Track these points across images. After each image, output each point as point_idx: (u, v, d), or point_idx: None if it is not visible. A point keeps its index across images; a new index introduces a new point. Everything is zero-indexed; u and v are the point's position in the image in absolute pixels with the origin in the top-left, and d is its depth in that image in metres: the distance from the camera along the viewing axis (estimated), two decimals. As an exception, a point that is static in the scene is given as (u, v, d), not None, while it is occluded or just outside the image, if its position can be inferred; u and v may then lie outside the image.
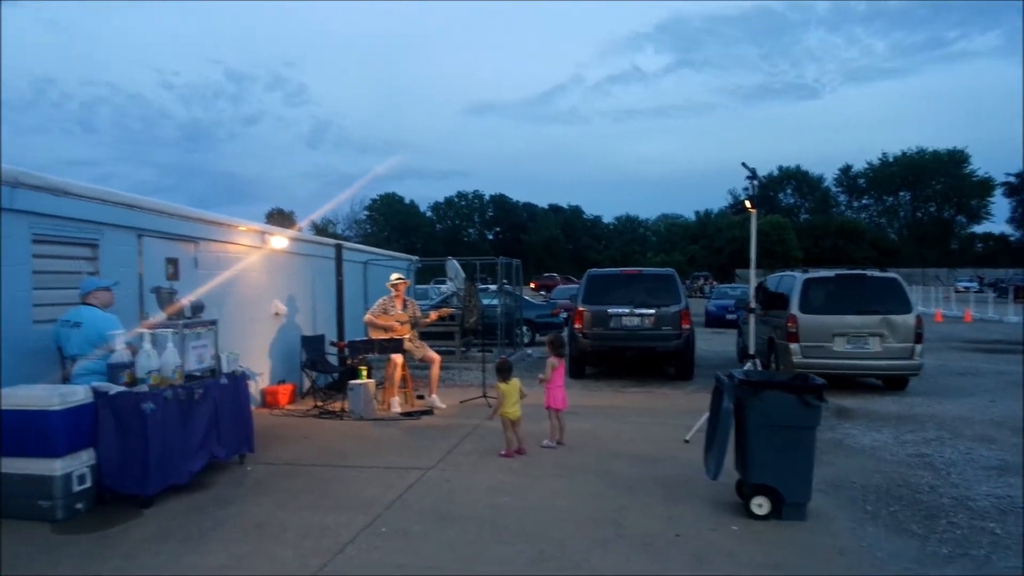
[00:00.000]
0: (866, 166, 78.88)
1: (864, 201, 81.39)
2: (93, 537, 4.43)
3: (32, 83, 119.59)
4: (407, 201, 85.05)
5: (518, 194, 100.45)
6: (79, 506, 4.80)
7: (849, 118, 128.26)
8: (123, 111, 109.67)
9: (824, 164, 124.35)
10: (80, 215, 6.05)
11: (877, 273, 10.26)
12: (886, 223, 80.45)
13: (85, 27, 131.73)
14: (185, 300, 5.97)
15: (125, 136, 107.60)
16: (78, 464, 4.81)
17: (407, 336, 8.94)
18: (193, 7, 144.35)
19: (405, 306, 9.12)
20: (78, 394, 4.87)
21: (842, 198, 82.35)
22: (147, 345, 5.17)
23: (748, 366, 7.27)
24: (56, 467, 4.67)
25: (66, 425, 4.73)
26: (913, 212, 78.70)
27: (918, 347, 9.55)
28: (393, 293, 9.08)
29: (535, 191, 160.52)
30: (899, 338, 9.57)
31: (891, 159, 77.22)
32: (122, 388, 4.99)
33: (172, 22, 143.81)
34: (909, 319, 9.62)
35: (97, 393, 4.98)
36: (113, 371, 5.08)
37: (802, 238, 65.07)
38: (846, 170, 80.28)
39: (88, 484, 4.88)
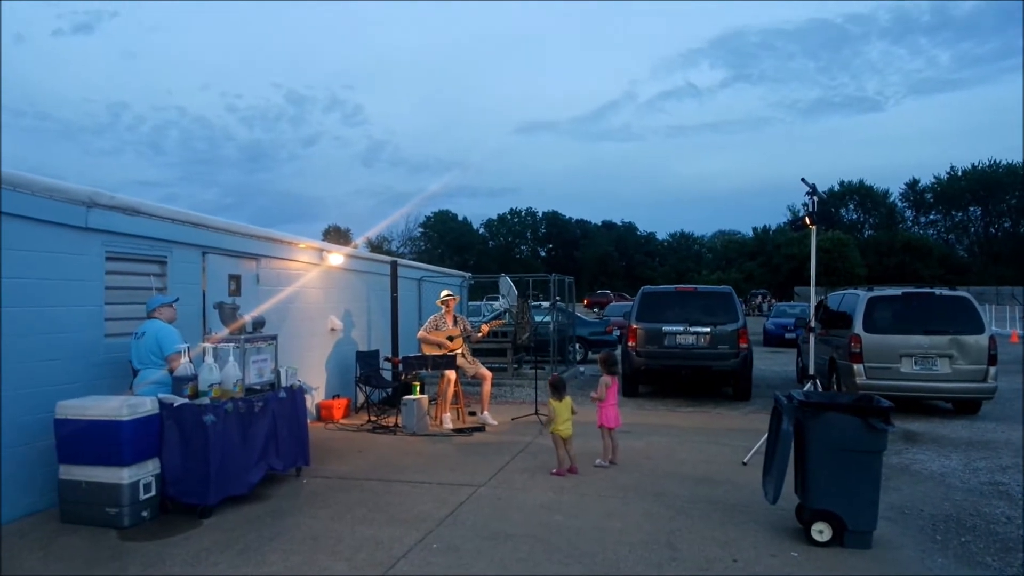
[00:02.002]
0: (933, 180, 76.13)
1: (931, 216, 78.30)
2: (157, 544, 4.57)
3: (108, 108, 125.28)
4: (460, 218, 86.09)
5: (571, 211, 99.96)
6: (144, 514, 4.97)
7: (915, 131, 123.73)
8: (189, 133, 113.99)
9: (889, 179, 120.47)
10: (150, 233, 6.31)
11: (947, 291, 9.84)
12: (955, 240, 77.20)
13: (158, 55, 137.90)
14: (247, 316, 6.13)
15: (191, 157, 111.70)
16: (144, 473, 4.99)
17: (460, 352, 9.01)
18: (257, 33, 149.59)
19: (456, 322, 9.20)
20: (145, 405, 5.06)
21: (908, 214, 79.38)
22: (209, 359, 5.34)
23: (808, 387, 7.05)
24: (124, 475, 4.85)
25: (134, 435, 4.91)
26: (985, 228, 75.36)
27: (992, 369, 9.12)
28: (443, 309, 9.18)
29: (588, 208, 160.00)
30: (971, 359, 9.16)
31: (959, 173, 74.30)
32: (185, 400, 5.16)
33: (237, 47, 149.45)
34: (982, 339, 9.20)
35: (162, 404, 5.16)
36: (177, 383, 5.26)
37: (866, 255, 62.83)
38: (912, 184, 77.29)
39: (153, 493, 5.05)
